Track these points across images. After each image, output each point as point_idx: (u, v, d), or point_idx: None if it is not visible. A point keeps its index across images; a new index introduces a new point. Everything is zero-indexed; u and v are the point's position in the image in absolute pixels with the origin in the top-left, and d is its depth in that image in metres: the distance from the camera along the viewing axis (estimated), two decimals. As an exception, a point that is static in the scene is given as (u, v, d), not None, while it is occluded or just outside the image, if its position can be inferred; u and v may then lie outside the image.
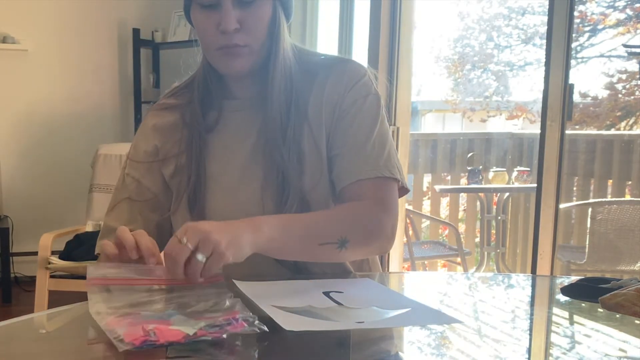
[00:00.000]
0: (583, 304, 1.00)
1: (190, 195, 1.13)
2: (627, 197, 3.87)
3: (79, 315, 0.94)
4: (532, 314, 0.99)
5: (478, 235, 4.53)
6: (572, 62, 2.42)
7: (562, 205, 2.82)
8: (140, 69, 4.29)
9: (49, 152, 4.19)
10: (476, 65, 6.63)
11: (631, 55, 5.12)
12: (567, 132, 2.40)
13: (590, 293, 0.98)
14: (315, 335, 0.81)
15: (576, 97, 3.51)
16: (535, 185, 2.47)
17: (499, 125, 6.26)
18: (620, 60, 5.37)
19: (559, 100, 2.35)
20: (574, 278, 1.11)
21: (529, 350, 0.82)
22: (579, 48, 5.56)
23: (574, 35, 2.73)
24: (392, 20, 3.01)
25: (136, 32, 4.23)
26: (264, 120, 1.13)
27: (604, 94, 5.30)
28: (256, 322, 0.78)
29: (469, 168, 4.29)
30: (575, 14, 2.50)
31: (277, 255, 1.04)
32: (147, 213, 1.16)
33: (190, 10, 1.11)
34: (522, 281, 1.28)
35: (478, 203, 4.37)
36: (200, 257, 0.87)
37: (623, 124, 5.46)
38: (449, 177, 4.77)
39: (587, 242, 3.18)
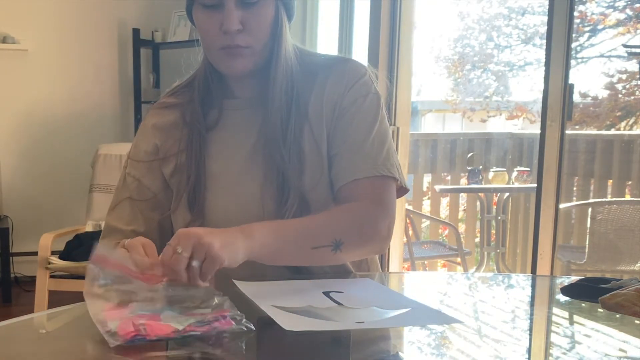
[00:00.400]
0: (583, 304, 1.01)
1: (190, 194, 1.13)
2: (627, 197, 3.86)
3: (79, 315, 0.94)
4: (532, 314, 0.99)
5: (478, 235, 4.53)
6: (572, 62, 2.42)
7: (562, 205, 2.82)
8: (140, 69, 4.29)
9: (49, 152, 4.18)
10: (476, 65, 6.63)
11: (631, 55, 5.12)
12: (567, 132, 2.40)
13: (590, 293, 0.98)
14: (315, 335, 0.81)
15: (576, 97, 3.51)
16: (535, 185, 2.47)
17: (499, 125, 6.25)
18: (620, 60, 5.37)
19: (559, 100, 2.35)
20: (574, 278, 1.11)
21: (529, 350, 0.82)
22: (579, 48, 5.56)
23: (574, 35, 2.73)
24: (392, 20, 3.01)
25: (136, 32, 4.23)
26: (264, 120, 1.12)
27: (604, 94, 5.29)
28: (244, 320, 0.81)
29: (469, 168, 4.29)
30: (575, 14, 2.50)
31: (271, 261, 1.03)
32: (148, 212, 1.16)
33: (192, 10, 1.11)
34: (522, 281, 1.28)
35: (478, 203, 4.37)
36: (195, 263, 0.88)
37: (623, 124, 5.45)
38: (449, 177, 4.76)
39: (587, 242, 3.18)
